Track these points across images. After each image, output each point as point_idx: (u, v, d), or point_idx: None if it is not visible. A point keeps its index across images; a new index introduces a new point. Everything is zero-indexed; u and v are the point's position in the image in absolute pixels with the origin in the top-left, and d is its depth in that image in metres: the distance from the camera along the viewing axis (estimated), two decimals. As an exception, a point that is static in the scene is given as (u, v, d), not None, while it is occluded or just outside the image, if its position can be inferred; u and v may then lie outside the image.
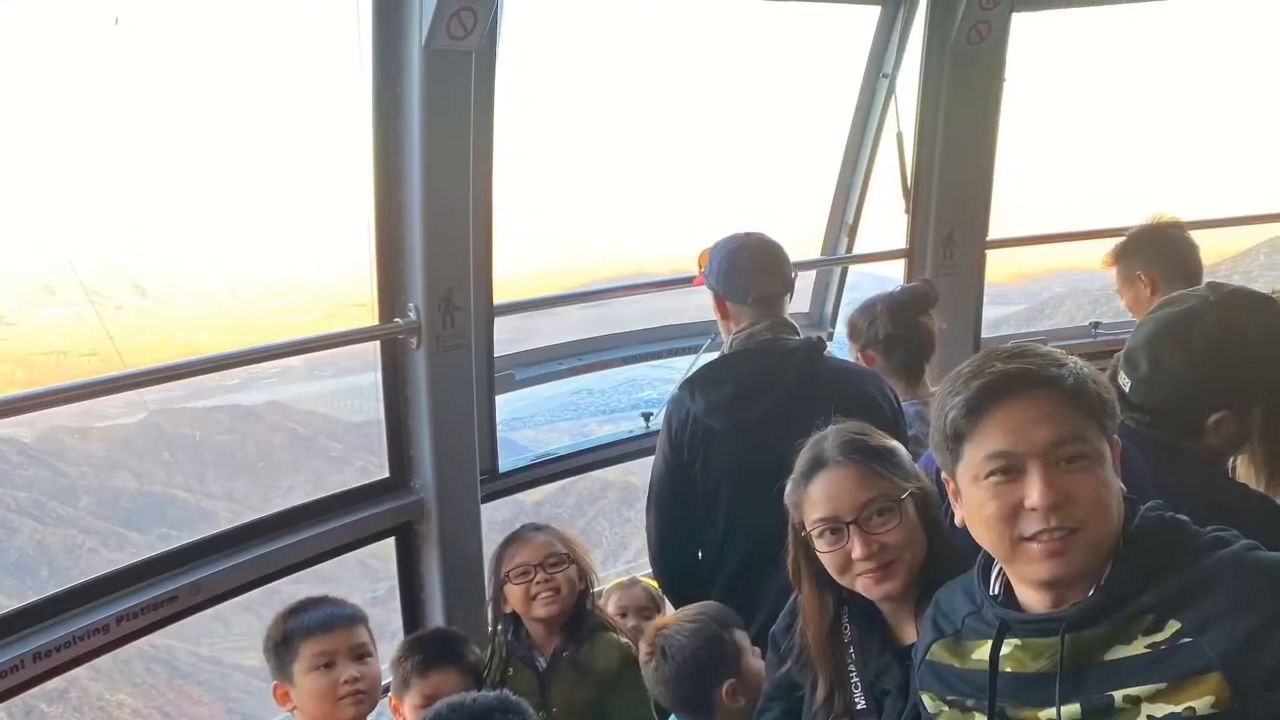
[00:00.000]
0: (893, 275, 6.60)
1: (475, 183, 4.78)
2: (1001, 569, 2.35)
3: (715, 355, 4.60)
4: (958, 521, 2.36)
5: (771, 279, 4.36)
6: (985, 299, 6.87)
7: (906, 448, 3.16)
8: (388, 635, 4.82)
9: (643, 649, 3.83)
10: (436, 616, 5.01)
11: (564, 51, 6.35)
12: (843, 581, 2.93)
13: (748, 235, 4.45)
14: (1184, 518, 2.25)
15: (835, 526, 2.88)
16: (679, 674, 3.66)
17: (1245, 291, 3.06)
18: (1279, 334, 2.95)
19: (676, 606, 4.44)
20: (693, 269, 4.69)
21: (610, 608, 4.77)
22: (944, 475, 2.38)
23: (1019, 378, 2.20)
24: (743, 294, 4.33)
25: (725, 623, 3.71)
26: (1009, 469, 2.18)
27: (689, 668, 3.65)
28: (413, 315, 4.71)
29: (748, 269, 4.35)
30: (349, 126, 4.69)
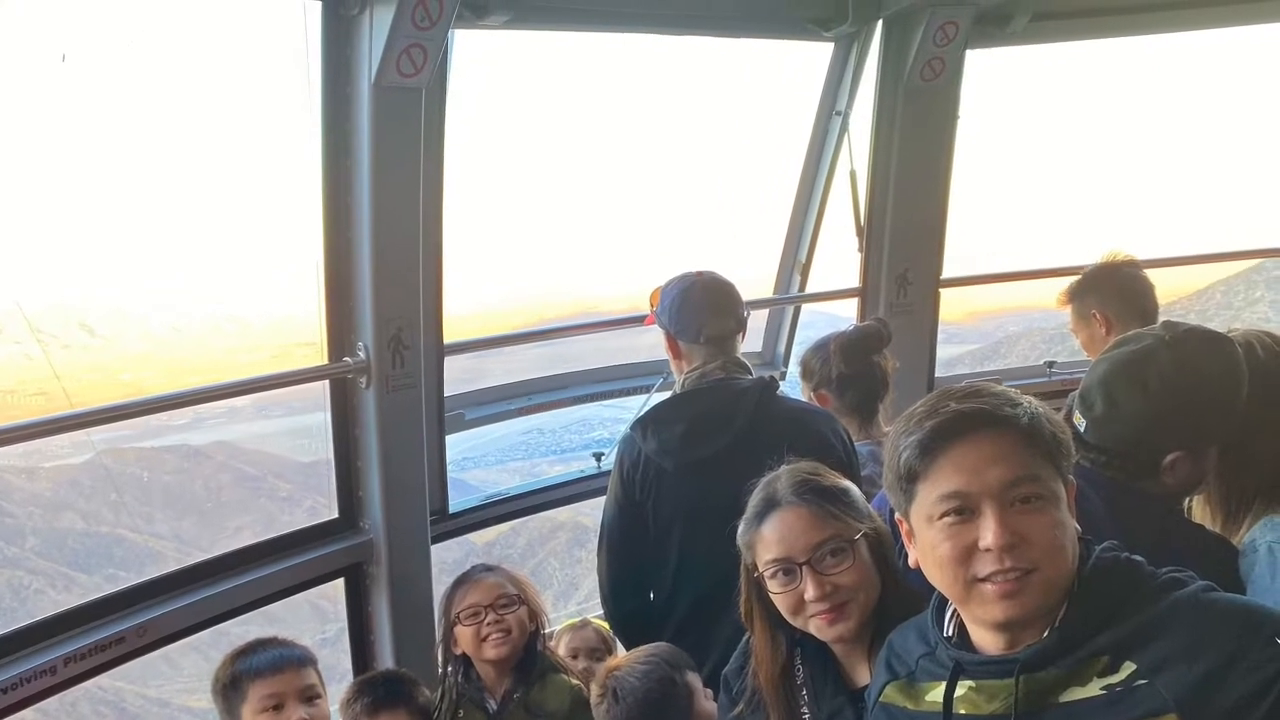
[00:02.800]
0: (846, 314, 6.60)
1: (425, 221, 4.76)
2: (955, 610, 2.34)
3: (667, 395, 4.58)
4: (911, 562, 2.35)
5: (724, 318, 4.35)
6: (939, 338, 6.86)
7: (860, 488, 3.16)
8: (337, 677, 4.77)
9: (594, 691, 3.80)
10: (386, 658, 4.97)
11: (516, 90, 6.34)
12: (795, 623, 2.92)
13: (700, 274, 4.44)
14: (1139, 559, 2.24)
15: (788, 567, 2.87)
16: (630, 716, 3.62)
17: (1201, 330, 3.06)
18: (1235, 373, 2.95)
19: (628, 648, 4.42)
20: (644, 308, 4.68)
21: (561, 649, 4.74)
22: (897, 516, 2.36)
23: (973, 417, 2.20)
24: (695, 333, 4.32)
25: (677, 664, 3.68)
26: (963, 509, 2.17)
27: (640, 710, 3.61)
28: (362, 354, 4.68)
29: (700, 308, 4.33)
30: (298, 164, 4.66)
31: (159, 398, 4.67)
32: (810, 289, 6.71)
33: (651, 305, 4.52)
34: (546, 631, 4.47)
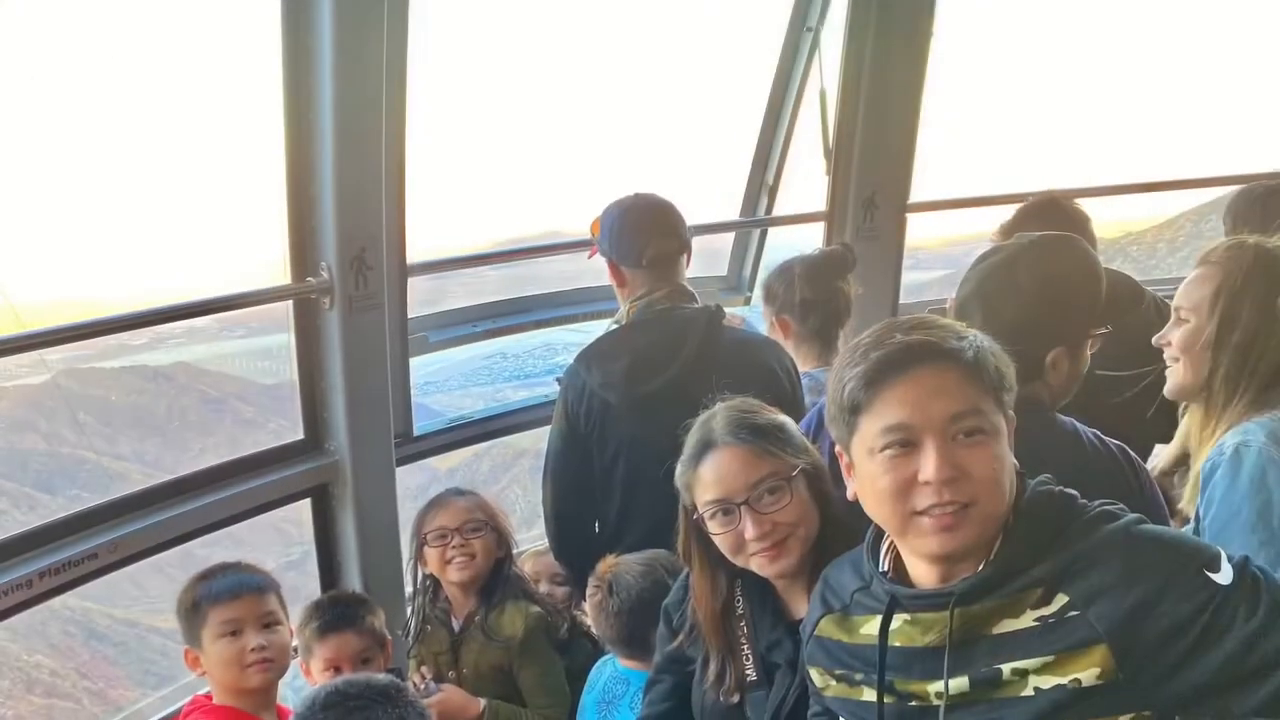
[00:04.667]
0: (812, 238, 6.56)
1: (388, 139, 4.69)
2: (891, 544, 2.36)
3: (613, 325, 4.55)
4: (850, 495, 2.36)
5: (666, 238, 4.30)
6: (906, 264, 6.84)
7: (802, 417, 3.19)
8: (304, 597, 4.78)
9: (590, 586, 3.90)
10: (353, 578, 4.98)
11: (478, 8, 6.26)
12: (737, 561, 2.94)
13: (638, 196, 4.39)
14: (1073, 492, 2.27)
15: (727, 508, 2.88)
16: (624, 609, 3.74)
17: (1052, 233, 3.21)
18: (1093, 263, 3.14)
19: (573, 578, 4.54)
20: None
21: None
22: (838, 448, 2.36)
23: (919, 349, 2.19)
24: (636, 256, 4.28)
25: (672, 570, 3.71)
26: (906, 442, 2.17)
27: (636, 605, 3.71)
28: (325, 274, 4.63)
29: (640, 229, 4.29)
30: (258, 79, 4.60)
31: (119, 317, 4.60)
32: (778, 212, 6.66)
33: (593, 234, 4.48)
34: (517, 553, 4.58)
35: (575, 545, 4.43)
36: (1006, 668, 2.15)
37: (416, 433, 5.37)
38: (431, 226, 5.69)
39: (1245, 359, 3.10)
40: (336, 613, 3.99)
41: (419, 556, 4.43)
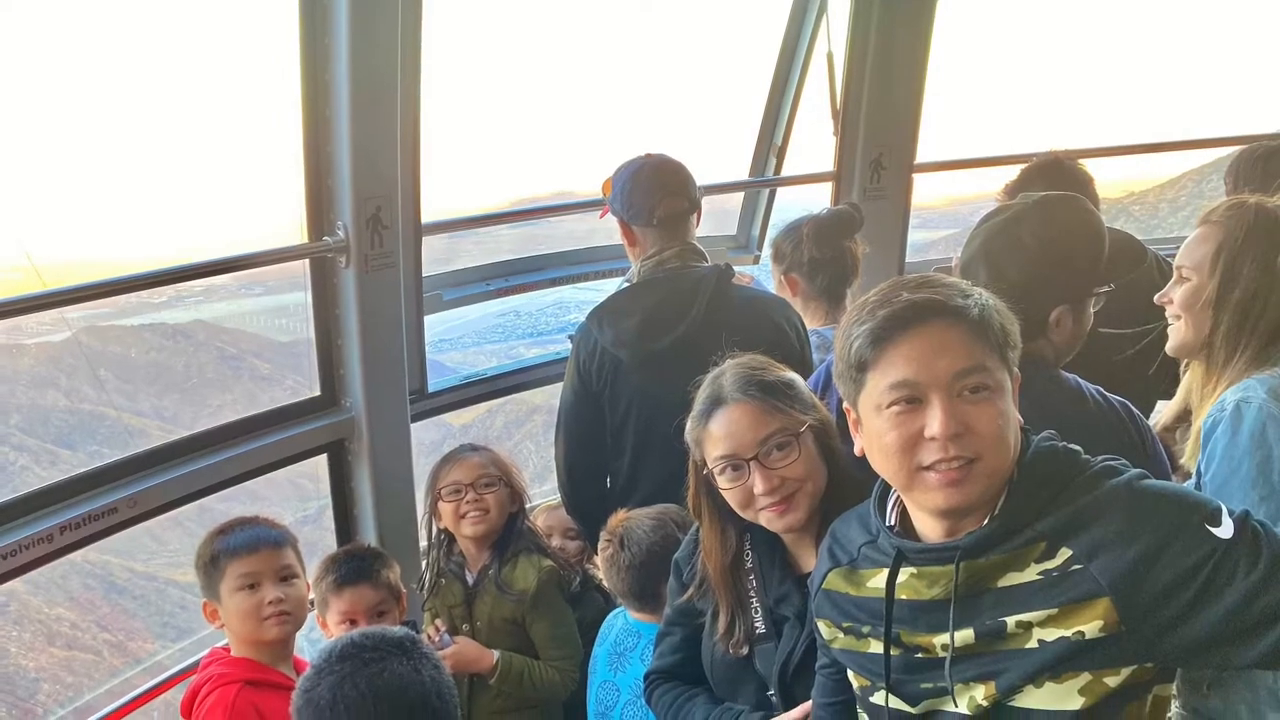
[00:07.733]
0: (820, 198, 6.60)
1: (403, 100, 4.73)
2: (898, 499, 2.39)
3: (624, 284, 4.60)
4: (857, 451, 2.38)
5: (676, 197, 4.35)
6: (913, 223, 6.87)
7: (809, 374, 3.21)
8: (321, 552, 4.85)
9: (601, 540, 3.92)
10: (369, 533, 5.04)
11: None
12: (746, 516, 2.97)
13: (648, 156, 4.43)
14: (1076, 448, 2.30)
15: (736, 463, 2.91)
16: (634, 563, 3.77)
17: (1056, 193, 3.23)
18: (1096, 222, 3.15)
19: (585, 533, 4.57)
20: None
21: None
22: (845, 405, 2.38)
23: (925, 307, 2.21)
24: (647, 215, 4.32)
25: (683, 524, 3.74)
26: (912, 399, 2.19)
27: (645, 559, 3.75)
28: (341, 234, 4.68)
29: (651, 189, 4.33)
30: (276, 41, 4.63)
31: (138, 275, 4.63)
32: (785, 172, 6.71)
33: (604, 194, 4.52)
34: (530, 507, 4.63)
35: (587, 500, 4.50)
36: (1011, 620, 2.19)
37: (431, 389, 5.43)
38: (446, 186, 5.71)
39: (1246, 317, 3.13)
40: (352, 566, 4.05)
41: (433, 511, 4.48)
